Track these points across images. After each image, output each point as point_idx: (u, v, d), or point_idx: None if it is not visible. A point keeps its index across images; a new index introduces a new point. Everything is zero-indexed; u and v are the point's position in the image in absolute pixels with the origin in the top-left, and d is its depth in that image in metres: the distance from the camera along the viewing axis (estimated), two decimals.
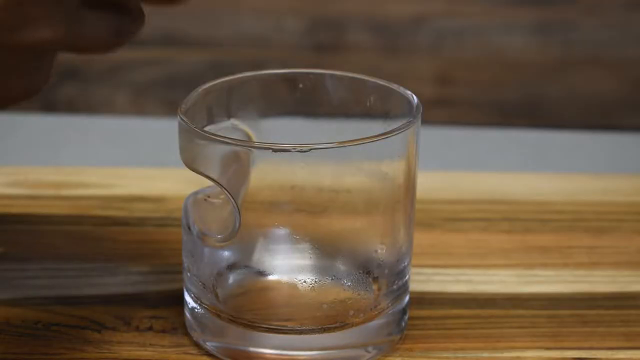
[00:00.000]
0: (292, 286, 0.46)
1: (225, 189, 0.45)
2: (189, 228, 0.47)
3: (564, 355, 0.48)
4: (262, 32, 0.87)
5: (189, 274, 0.48)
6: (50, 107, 0.86)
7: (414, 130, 0.46)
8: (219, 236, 0.46)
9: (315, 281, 0.47)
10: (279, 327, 0.46)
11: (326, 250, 0.47)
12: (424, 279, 0.54)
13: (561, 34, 0.86)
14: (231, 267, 0.48)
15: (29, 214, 0.61)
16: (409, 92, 0.48)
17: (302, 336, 0.46)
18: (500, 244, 0.58)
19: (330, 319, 0.46)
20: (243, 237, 0.46)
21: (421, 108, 0.47)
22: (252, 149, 0.45)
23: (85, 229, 0.59)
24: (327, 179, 0.47)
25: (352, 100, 0.50)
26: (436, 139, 0.80)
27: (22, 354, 0.47)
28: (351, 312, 0.47)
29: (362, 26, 0.87)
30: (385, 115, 0.49)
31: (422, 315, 0.51)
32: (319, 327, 0.46)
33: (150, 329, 0.50)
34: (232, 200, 0.45)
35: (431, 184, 0.64)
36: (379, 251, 0.48)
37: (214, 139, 0.44)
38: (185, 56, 0.88)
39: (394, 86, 0.49)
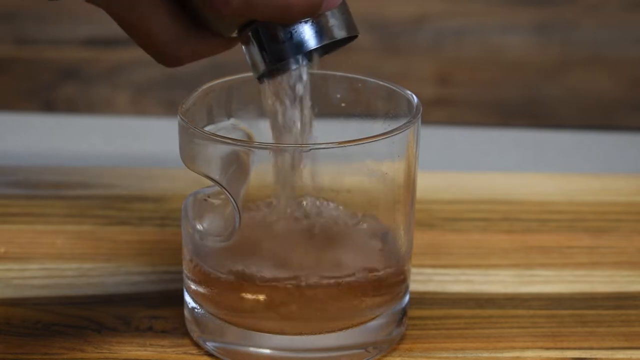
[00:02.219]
0: (292, 286, 0.46)
1: (225, 189, 0.44)
2: (189, 228, 0.47)
3: (563, 355, 0.48)
4: None
5: (189, 274, 0.48)
6: (50, 107, 0.86)
7: (414, 130, 0.46)
8: (218, 236, 0.46)
9: (316, 281, 0.47)
10: (279, 327, 0.46)
11: (326, 250, 0.47)
12: (424, 279, 0.54)
13: (561, 34, 0.86)
14: (231, 267, 0.47)
15: (29, 213, 0.61)
16: (409, 92, 0.48)
17: (302, 336, 0.46)
18: (500, 244, 0.58)
19: (331, 320, 0.46)
20: (243, 237, 0.46)
21: (421, 108, 0.47)
22: (252, 149, 0.45)
23: (85, 229, 0.59)
24: (327, 179, 0.46)
25: (352, 100, 0.50)
26: (436, 139, 0.80)
27: (22, 354, 0.47)
28: (351, 312, 0.46)
29: (362, 26, 0.87)
30: (385, 115, 0.49)
31: (422, 315, 0.51)
32: (319, 327, 0.46)
33: (150, 329, 0.49)
34: (232, 200, 0.45)
35: (431, 184, 0.64)
36: (379, 251, 0.48)
37: (214, 139, 0.44)
38: None
39: (394, 86, 0.49)
